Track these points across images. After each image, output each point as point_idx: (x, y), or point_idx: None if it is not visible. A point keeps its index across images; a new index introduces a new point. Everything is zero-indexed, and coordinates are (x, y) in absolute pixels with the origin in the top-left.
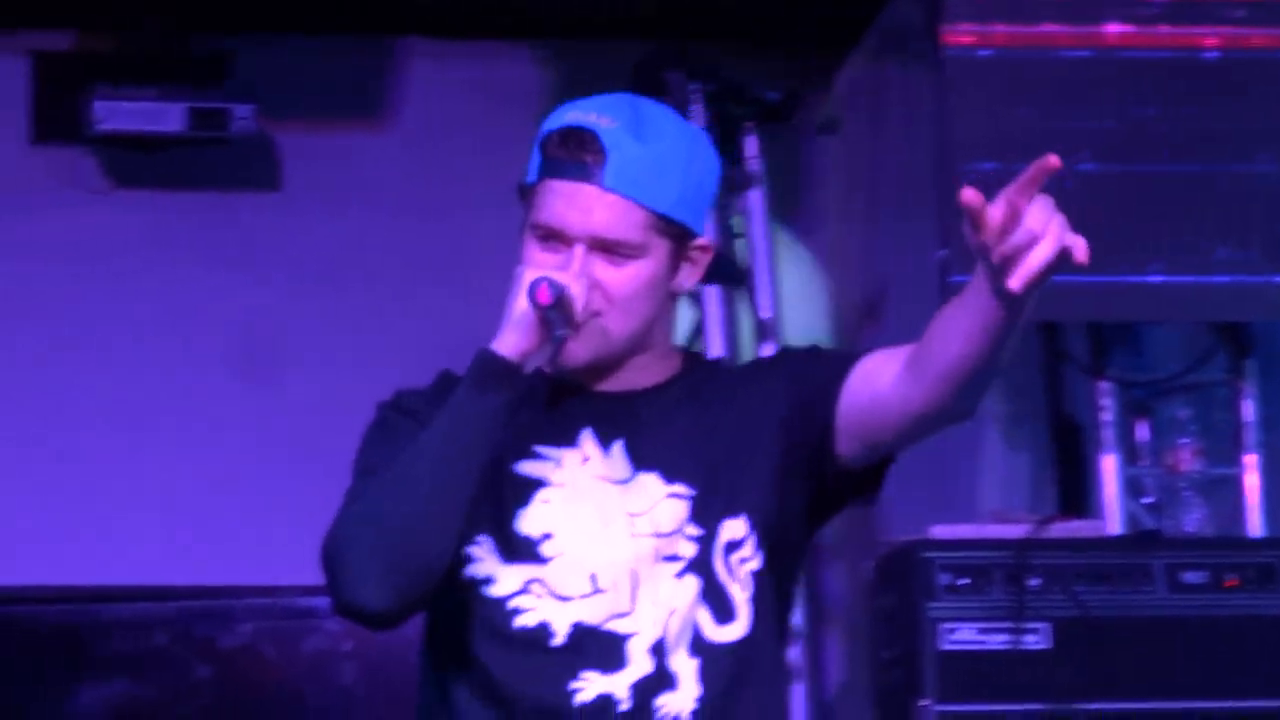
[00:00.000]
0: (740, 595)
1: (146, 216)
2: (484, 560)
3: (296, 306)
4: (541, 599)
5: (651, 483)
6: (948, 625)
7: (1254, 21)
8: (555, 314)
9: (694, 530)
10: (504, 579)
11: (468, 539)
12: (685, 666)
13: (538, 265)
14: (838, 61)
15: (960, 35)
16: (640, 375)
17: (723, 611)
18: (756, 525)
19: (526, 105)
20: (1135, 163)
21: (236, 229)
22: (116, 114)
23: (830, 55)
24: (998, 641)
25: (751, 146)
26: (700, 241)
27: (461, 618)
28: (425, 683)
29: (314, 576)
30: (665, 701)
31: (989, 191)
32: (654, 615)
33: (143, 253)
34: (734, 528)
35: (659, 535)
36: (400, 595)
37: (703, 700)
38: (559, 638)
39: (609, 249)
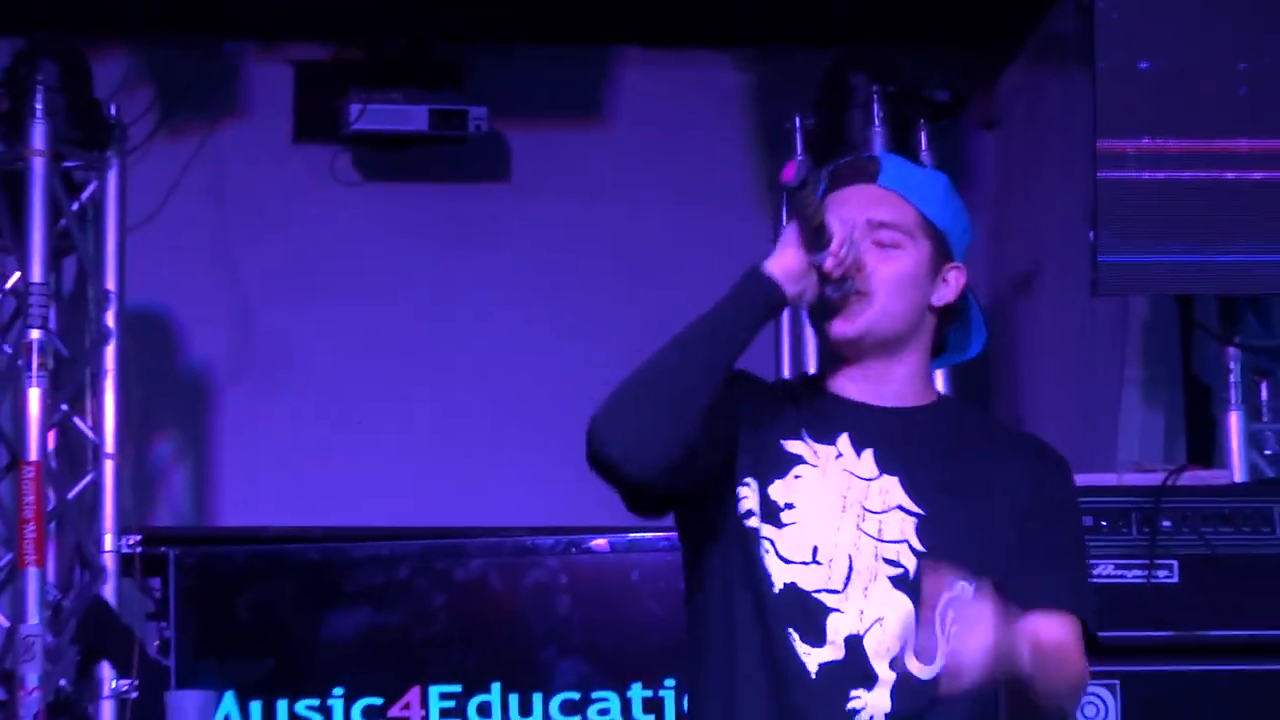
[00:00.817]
0: (944, 645)
1: (393, 206)
2: (748, 499)
3: (525, 284)
4: (768, 555)
5: (892, 486)
6: (1090, 561)
7: None
8: (811, 228)
9: (919, 546)
10: (759, 531)
11: (739, 479)
12: (884, 674)
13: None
14: (1000, 65)
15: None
16: (900, 393)
17: (925, 650)
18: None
19: (727, 106)
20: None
21: (472, 217)
22: (368, 116)
23: (994, 59)
24: (1133, 576)
25: (923, 141)
26: (957, 264)
27: (730, 545)
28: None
29: (536, 519)
30: (862, 696)
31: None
32: (859, 607)
33: (390, 238)
34: (961, 585)
35: (882, 539)
36: (649, 450)
37: (891, 716)
38: (776, 588)
39: (880, 229)
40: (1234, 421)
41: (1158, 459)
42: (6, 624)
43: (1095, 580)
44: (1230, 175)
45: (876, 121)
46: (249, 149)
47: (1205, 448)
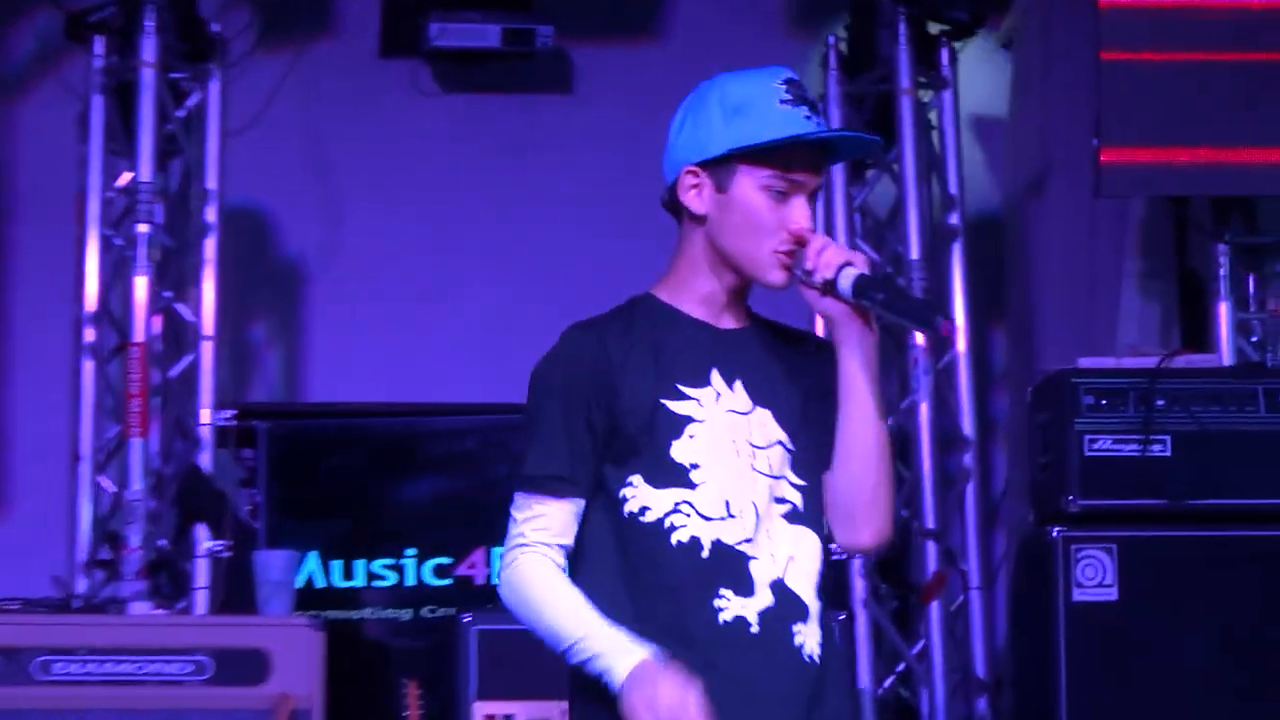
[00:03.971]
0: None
1: (469, 116)
2: (638, 494)
3: (585, 186)
4: (690, 518)
5: (767, 420)
6: (1090, 436)
7: None
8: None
9: (797, 480)
10: (657, 504)
11: (620, 482)
12: (814, 606)
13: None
14: None
15: None
16: (740, 312)
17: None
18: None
19: (771, 25)
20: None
21: (538, 127)
22: (447, 34)
23: None
24: (1130, 449)
25: (944, 58)
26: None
27: (620, 547)
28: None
29: None
30: (802, 630)
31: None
32: (770, 550)
33: (465, 146)
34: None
35: (772, 476)
36: None
37: (824, 645)
38: (705, 551)
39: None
40: (1223, 311)
41: (1153, 344)
42: (114, 489)
43: (1096, 454)
44: (1228, 58)
45: (902, 39)
46: (339, 63)
47: (1197, 334)
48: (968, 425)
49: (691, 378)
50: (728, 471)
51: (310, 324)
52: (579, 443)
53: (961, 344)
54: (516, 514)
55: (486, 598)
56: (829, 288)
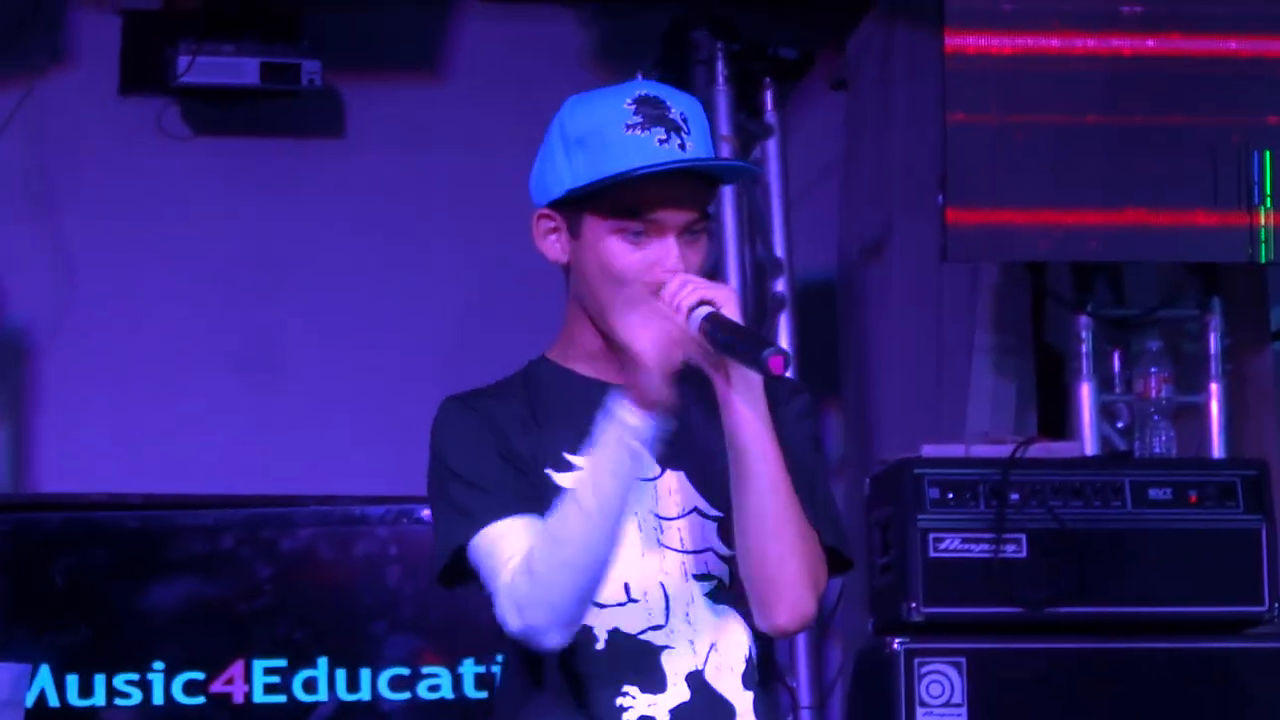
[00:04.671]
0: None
1: (223, 161)
2: None
3: (358, 242)
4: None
5: (678, 484)
6: (935, 535)
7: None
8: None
9: (724, 551)
10: None
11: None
12: (741, 702)
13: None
14: (851, 23)
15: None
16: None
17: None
18: None
19: (569, 62)
20: (1121, 113)
21: (304, 174)
22: (197, 68)
23: (843, 17)
24: (980, 550)
25: (768, 101)
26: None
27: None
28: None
29: (365, 487)
30: None
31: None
32: (688, 637)
33: (218, 194)
34: None
35: (686, 551)
36: (578, 620)
37: None
38: (599, 643)
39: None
40: (1085, 392)
41: (1008, 430)
42: None
43: (942, 555)
44: (1089, 120)
45: (720, 80)
46: (73, 100)
47: (1056, 419)
48: None
49: (579, 444)
50: (626, 549)
51: (40, 403)
52: (504, 472)
53: None
54: (483, 559)
55: (247, 717)
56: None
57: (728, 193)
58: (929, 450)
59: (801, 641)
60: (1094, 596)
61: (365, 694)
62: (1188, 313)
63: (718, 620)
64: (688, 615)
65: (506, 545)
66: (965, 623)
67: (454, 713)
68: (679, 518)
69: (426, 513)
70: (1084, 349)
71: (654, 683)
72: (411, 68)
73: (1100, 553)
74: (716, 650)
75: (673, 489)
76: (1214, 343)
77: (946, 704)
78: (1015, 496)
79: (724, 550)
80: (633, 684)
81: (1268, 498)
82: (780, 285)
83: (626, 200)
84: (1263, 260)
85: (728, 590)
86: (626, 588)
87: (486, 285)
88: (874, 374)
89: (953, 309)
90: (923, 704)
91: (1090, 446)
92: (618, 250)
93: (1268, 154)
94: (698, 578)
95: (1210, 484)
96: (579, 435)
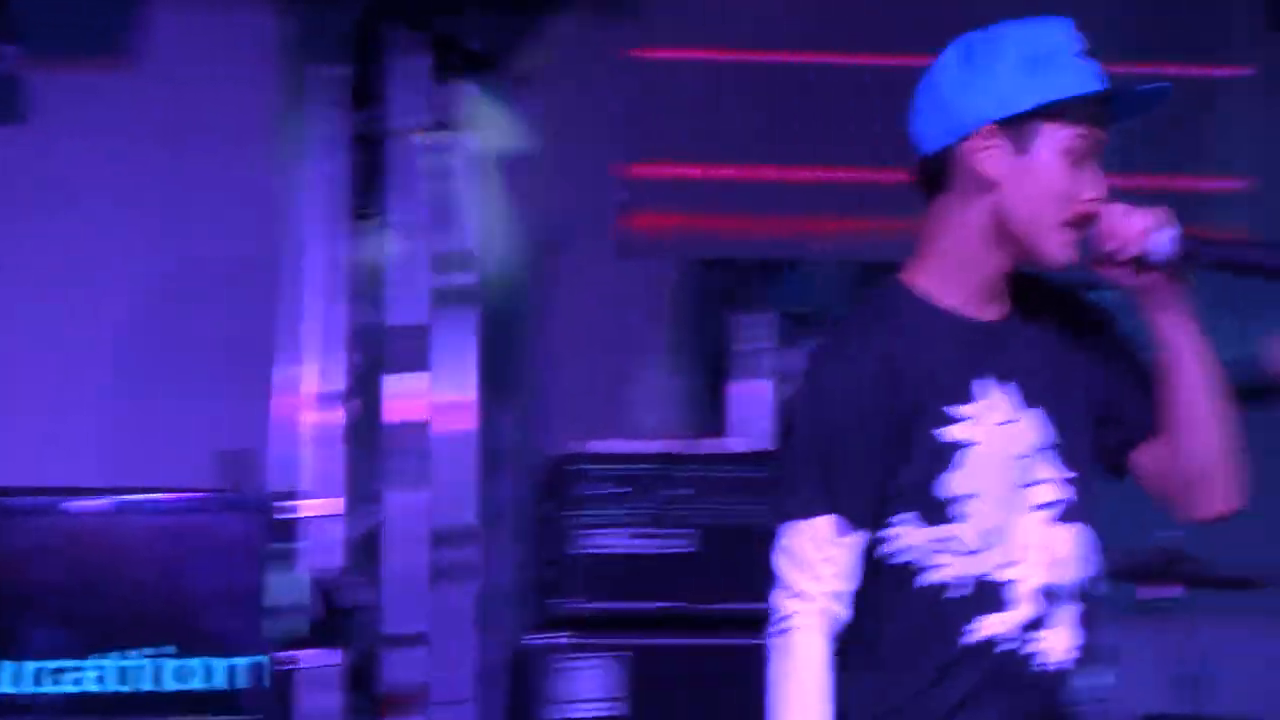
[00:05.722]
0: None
1: None
2: (903, 535)
3: (42, 233)
4: (957, 556)
5: (1039, 421)
6: (597, 530)
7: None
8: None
9: (1067, 473)
10: (922, 545)
11: (883, 522)
12: (1067, 612)
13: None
14: (540, 19)
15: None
16: (1004, 297)
17: (1094, 557)
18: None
19: (258, 53)
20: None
21: None
22: None
23: (535, 11)
24: (643, 545)
25: (457, 93)
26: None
27: (886, 589)
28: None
29: (15, 478)
30: (1045, 637)
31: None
32: (1036, 559)
33: None
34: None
35: (1038, 482)
36: None
37: (1081, 646)
38: (967, 589)
39: None
40: (753, 389)
41: (677, 426)
42: None
43: (603, 550)
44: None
45: (407, 72)
46: None
47: (724, 416)
48: (469, 514)
49: (958, 394)
50: (1000, 496)
51: None
52: (868, 477)
53: (467, 422)
54: (791, 558)
55: None
56: (1140, 261)
57: (412, 184)
58: (593, 445)
59: (464, 633)
60: (755, 593)
61: (6, 686)
62: None
63: (1058, 538)
64: (1030, 541)
65: (807, 572)
66: (624, 618)
67: (100, 705)
68: (1038, 452)
69: (78, 504)
70: (755, 346)
71: (1001, 606)
72: (101, 55)
73: (763, 549)
74: (1056, 563)
75: (1035, 426)
76: None
77: (602, 699)
78: (678, 492)
79: (1067, 473)
80: (984, 614)
81: None
82: (463, 278)
83: (1085, 119)
84: None
85: (1073, 509)
86: (996, 531)
87: (171, 277)
88: (549, 368)
89: (629, 305)
90: (577, 698)
91: (758, 443)
92: (1062, 169)
93: None
94: (1043, 505)
95: None
96: (958, 384)
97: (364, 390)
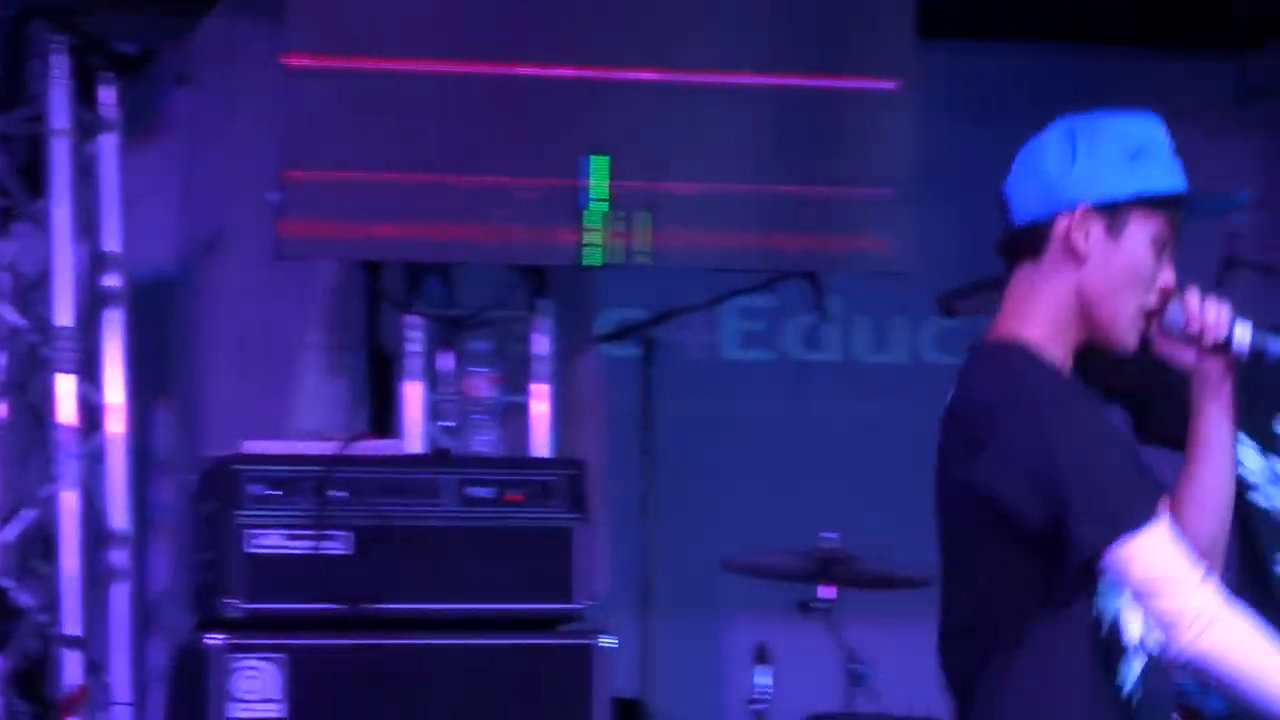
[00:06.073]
0: None
1: None
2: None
3: None
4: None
5: None
6: (255, 531)
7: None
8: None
9: None
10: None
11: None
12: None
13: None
14: (194, 19)
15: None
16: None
17: None
18: None
19: None
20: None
21: None
22: None
23: (188, 13)
24: (302, 547)
25: (108, 95)
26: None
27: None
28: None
29: None
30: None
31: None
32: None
33: None
34: None
35: None
36: None
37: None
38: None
39: None
40: (414, 391)
41: (338, 428)
42: None
43: (263, 551)
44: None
45: (57, 73)
46: None
47: (388, 418)
48: (120, 517)
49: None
50: None
51: None
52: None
53: (117, 424)
54: (1161, 563)
55: None
56: (1221, 347)
57: (61, 185)
58: (250, 446)
59: (122, 636)
60: (414, 593)
61: None
62: (517, 314)
63: None
64: None
65: (1177, 565)
66: (285, 619)
67: None
68: None
69: None
70: (414, 348)
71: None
72: None
73: (421, 550)
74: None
75: None
76: (540, 344)
77: (264, 700)
78: (338, 494)
79: None
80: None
81: (586, 497)
82: (111, 279)
83: (1175, 215)
84: (585, 264)
85: None
86: None
87: None
88: (208, 370)
89: (289, 307)
90: (238, 699)
91: (420, 444)
92: (1148, 257)
93: (597, 163)
94: None
95: (531, 483)
96: None
97: (15, 392)
